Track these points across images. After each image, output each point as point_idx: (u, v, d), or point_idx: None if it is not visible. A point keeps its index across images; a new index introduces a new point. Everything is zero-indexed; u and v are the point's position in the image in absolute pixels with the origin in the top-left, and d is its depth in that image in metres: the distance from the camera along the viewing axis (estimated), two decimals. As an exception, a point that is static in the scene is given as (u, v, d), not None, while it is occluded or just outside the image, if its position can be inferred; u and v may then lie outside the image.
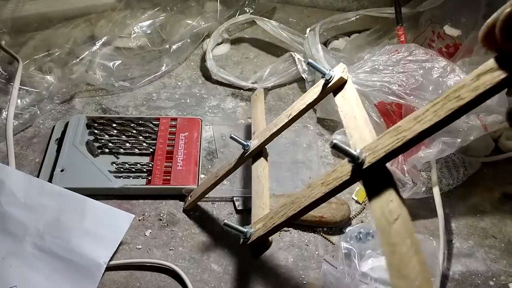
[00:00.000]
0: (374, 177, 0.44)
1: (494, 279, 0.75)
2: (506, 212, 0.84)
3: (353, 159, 0.45)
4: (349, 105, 0.57)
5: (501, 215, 0.83)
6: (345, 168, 0.47)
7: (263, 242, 0.60)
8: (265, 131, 0.70)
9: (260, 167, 0.70)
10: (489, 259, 0.77)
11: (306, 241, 0.78)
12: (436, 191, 0.77)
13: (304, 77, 0.98)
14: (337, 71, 0.61)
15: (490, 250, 0.78)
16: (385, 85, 0.77)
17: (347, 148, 0.44)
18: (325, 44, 1.12)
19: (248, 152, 0.71)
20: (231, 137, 0.71)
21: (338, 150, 0.44)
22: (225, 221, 0.62)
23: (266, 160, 0.71)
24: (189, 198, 0.79)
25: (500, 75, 0.32)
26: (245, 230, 0.61)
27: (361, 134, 0.51)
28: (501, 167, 0.89)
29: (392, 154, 0.42)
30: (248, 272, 0.74)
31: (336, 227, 0.80)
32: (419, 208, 0.82)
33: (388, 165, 0.78)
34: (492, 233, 0.81)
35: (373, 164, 0.43)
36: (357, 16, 1.03)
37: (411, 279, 0.36)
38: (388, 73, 0.78)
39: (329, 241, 0.78)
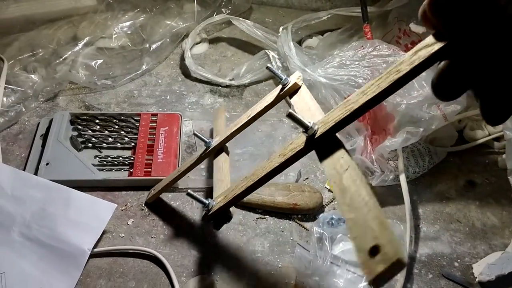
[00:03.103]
0: (326, 145, 0.48)
1: (459, 260, 0.78)
2: (470, 198, 0.88)
3: (306, 129, 0.49)
4: (304, 101, 0.63)
5: (465, 201, 0.88)
6: (300, 139, 0.51)
7: (224, 213, 0.64)
8: (226, 130, 0.75)
9: (221, 161, 0.75)
10: (454, 242, 0.81)
11: (281, 227, 0.82)
12: (402, 178, 0.81)
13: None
14: (293, 78, 0.66)
15: (455, 234, 0.82)
16: (352, 78, 0.81)
17: (301, 118, 0.48)
18: (300, 42, 1.16)
19: (210, 149, 0.76)
20: (194, 134, 0.77)
21: (293, 120, 0.48)
22: (189, 191, 0.66)
23: (228, 155, 0.76)
24: (153, 191, 0.83)
25: (433, 49, 0.36)
26: (207, 201, 0.66)
27: (313, 118, 0.53)
28: (465, 156, 0.94)
29: (341, 124, 0.46)
30: (227, 257, 0.77)
31: (310, 214, 0.84)
32: (388, 195, 0.86)
33: (358, 155, 0.81)
34: (457, 218, 0.85)
35: (324, 133, 0.47)
36: (329, 16, 1.07)
37: (360, 208, 0.38)
38: (355, 68, 0.82)
39: (303, 227, 0.82)
